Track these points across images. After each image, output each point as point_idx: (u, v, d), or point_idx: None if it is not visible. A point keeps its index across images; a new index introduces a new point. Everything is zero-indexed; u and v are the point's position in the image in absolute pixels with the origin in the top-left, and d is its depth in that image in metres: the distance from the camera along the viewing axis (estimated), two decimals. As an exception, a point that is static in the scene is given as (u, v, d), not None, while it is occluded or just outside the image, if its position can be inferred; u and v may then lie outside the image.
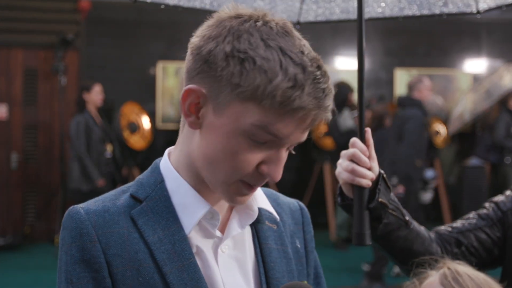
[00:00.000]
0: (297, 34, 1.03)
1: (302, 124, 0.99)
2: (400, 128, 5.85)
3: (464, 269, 1.31)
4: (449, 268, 1.32)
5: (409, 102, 6.02)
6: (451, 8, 1.83)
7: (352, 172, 1.48)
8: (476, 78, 8.96)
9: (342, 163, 1.52)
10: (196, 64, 1.02)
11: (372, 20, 1.92)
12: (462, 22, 8.66)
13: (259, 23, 1.00)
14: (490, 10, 1.82)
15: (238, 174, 1.02)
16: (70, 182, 6.23)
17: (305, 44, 1.01)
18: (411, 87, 6.11)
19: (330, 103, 1.00)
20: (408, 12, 1.85)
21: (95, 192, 6.01)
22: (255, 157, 1.01)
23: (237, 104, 0.98)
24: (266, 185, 1.23)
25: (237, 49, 0.97)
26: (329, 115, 1.01)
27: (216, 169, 1.03)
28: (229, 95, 0.98)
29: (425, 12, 1.84)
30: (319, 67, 0.99)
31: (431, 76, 8.96)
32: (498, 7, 1.80)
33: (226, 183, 1.03)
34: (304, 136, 1.03)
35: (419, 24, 8.62)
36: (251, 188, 1.05)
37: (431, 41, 9.03)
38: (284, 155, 1.03)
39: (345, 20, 1.94)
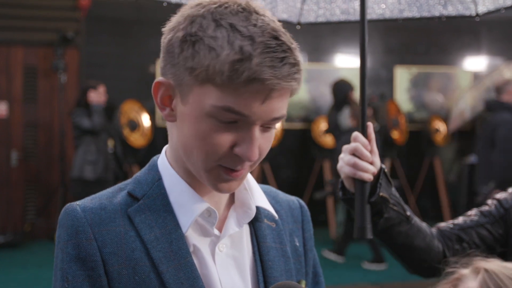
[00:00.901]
0: (261, 10, 1.00)
1: (261, 96, 0.95)
2: (491, 134, 5.69)
3: (502, 270, 1.26)
4: (486, 271, 1.27)
5: (499, 106, 5.82)
6: (450, 11, 1.84)
7: (354, 166, 1.49)
8: (476, 76, 8.97)
9: (344, 157, 1.53)
10: (162, 56, 1.03)
11: (372, 21, 1.93)
12: (462, 20, 8.64)
13: (214, 6, 0.99)
14: (489, 13, 1.83)
15: (213, 158, 1.00)
16: (72, 171, 6.24)
17: (265, 19, 0.98)
18: (499, 89, 5.89)
19: (292, 72, 0.95)
20: (408, 14, 1.86)
21: (98, 181, 6.02)
22: (225, 138, 0.99)
23: (197, 88, 0.98)
24: (265, 183, 1.23)
25: (189, 33, 0.97)
26: (293, 85, 0.97)
27: (193, 157, 1.02)
28: (189, 80, 0.98)
29: (425, 14, 1.85)
30: (275, 38, 0.95)
31: (431, 74, 8.97)
32: (497, 10, 1.81)
33: (205, 170, 1.02)
34: (275, 111, 0.98)
35: (419, 22, 8.60)
36: (231, 172, 1.02)
37: (431, 39, 9.03)
38: (256, 134, 0.99)
39: (345, 21, 1.94)
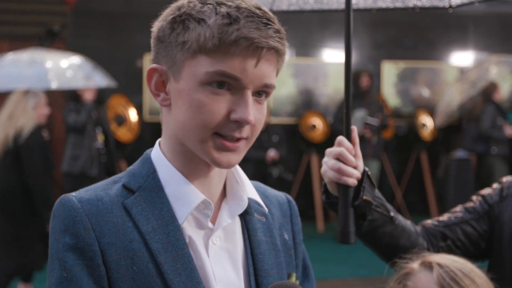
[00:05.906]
0: None
1: (251, 58, 1.01)
2: None
3: (453, 263, 1.32)
4: (440, 265, 1.31)
5: None
6: (424, 2, 1.82)
7: (339, 171, 1.49)
8: (463, 71, 9.01)
9: (328, 162, 1.52)
10: (154, 46, 1.09)
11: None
12: (449, 15, 8.70)
13: None
14: (463, 5, 1.82)
15: (210, 126, 1.03)
16: (62, 165, 6.23)
17: (246, 1, 1.05)
18: None
19: (275, 35, 1.02)
20: (381, 4, 1.84)
21: (85, 176, 5.99)
22: (221, 106, 1.03)
23: (190, 61, 1.03)
24: (255, 179, 1.24)
25: (178, 15, 1.04)
26: (277, 45, 1.02)
27: (190, 130, 1.05)
28: (181, 56, 1.04)
29: (398, 5, 1.83)
30: (258, 8, 1.03)
31: (418, 69, 9.00)
32: (471, 3, 1.79)
33: (201, 141, 1.04)
34: (265, 76, 1.04)
35: (407, 16, 8.64)
36: (228, 142, 1.04)
37: (418, 34, 9.06)
38: (250, 98, 1.03)
39: (318, 10, 1.91)
